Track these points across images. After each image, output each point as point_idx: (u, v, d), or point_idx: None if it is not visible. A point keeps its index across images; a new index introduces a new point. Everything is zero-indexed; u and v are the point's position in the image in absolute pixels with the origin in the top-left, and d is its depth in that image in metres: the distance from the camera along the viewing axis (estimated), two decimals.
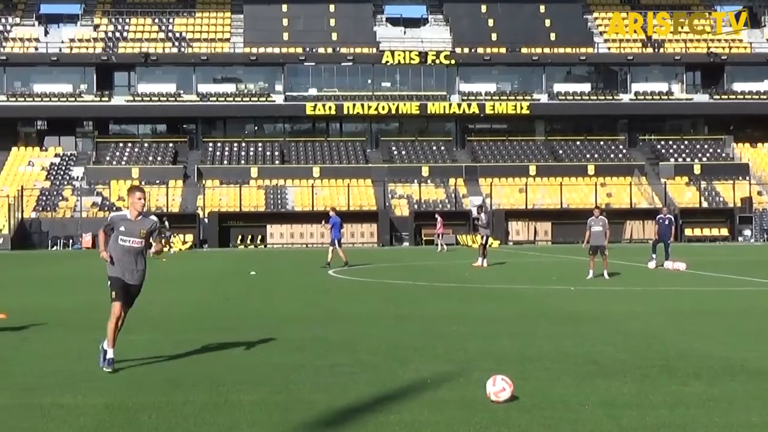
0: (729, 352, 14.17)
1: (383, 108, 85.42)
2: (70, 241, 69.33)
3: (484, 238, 39.49)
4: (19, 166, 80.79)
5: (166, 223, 57.44)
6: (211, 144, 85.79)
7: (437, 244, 60.67)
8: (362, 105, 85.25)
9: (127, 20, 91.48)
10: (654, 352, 14.05)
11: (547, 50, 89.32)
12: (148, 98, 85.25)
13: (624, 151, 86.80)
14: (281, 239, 70.45)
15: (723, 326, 17.60)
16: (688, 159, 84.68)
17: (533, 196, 77.60)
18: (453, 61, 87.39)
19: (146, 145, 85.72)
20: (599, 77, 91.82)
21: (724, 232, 74.24)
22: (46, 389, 11.46)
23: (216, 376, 12.24)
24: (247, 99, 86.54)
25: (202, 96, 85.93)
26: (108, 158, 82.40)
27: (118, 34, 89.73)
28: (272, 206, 76.27)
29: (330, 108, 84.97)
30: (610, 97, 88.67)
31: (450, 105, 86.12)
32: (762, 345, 14.88)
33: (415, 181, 79.41)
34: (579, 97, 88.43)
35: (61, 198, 75.44)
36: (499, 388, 10.43)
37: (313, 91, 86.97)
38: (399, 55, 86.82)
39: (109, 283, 13.06)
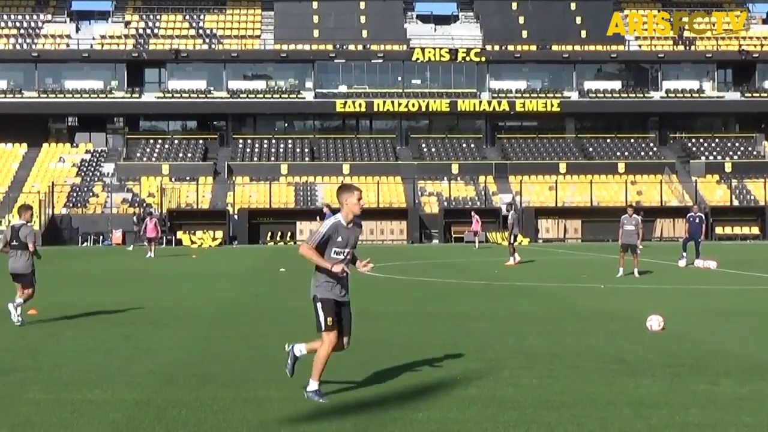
0: (759, 351, 14.11)
1: (413, 105, 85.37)
2: (101, 237, 69.52)
3: (513, 236, 39.72)
4: (50, 163, 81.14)
5: None
6: (241, 141, 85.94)
7: (474, 241, 60.63)
8: (392, 102, 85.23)
9: (158, 17, 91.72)
10: (683, 351, 14.00)
11: (577, 48, 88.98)
12: (179, 95, 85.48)
13: (655, 149, 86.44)
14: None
15: (753, 325, 17.53)
16: (719, 157, 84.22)
17: (563, 193, 77.36)
18: (483, 59, 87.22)
19: (176, 141, 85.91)
20: (630, 75, 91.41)
21: (755, 230, 73.78)
22: (76, 385, 11.51)
23: (245, 372, 12.28)
24: (278, 96, 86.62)
25: (233, 93, 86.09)
26: (138, 155, 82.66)
27: (149, 31, 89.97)
28: (302, 203, 76.31)
29: (360, 105, 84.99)
30: (641, 95, 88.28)
31: (480, 102, 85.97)
32: None
33: (445, 178, 79.26)
34: (609, 95, 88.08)
35: (91, 194, 75.70)
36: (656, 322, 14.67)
37: (343, 88, 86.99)
38: (429, 52, 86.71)
39: (320, 306, 10.80)
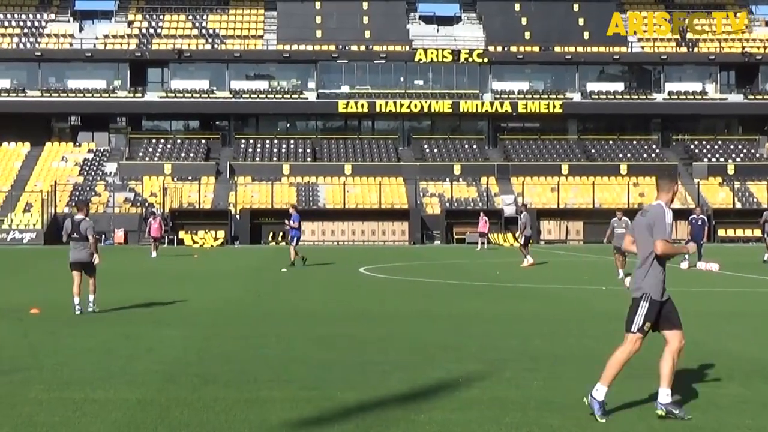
0: (761, 353, 14.11)
1: (415, 106, 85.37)
2: (103, 236, 69.49)
3: (525, 237, 39.70)
4: (53, 162, 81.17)
5: None
6: (243, 141, 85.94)
7: (477, 243, 60.56)
8: (394, 103, 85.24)
9: (161, 17, 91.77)
10: (685, 353, 13.97)
11: (580, 49, 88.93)
12: (181, 95, 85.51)
13: (657, 150, 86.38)
14: (312, 236, 70.31)
15: (755, 328, 17.52)
16: (722, 159, 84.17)
17: (565, 195, 77.35)
18: (486, 60, 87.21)
19: (179, 141, 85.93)
20: (632, 76, 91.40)
21: (758, 233, 73.62)
22: (78, 384, 11.52)
23: (247, 372, 12.28)
24: (280, 96, 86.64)
25: (235, 93, 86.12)
26: (141, 154, 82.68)
27: (151, 31, 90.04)
28: (304, 203, 76.27)
29: (362, 105, 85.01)
30: (644, 97, 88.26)
31: (482, 103, 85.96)
32: None
33: (447, 179, 79.23)
34: (612, 97, 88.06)
35: (93, 193, 75.72)
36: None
37: (345, 89, 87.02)
38: (432, 53, 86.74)
39: (646, 307, 10.56)
